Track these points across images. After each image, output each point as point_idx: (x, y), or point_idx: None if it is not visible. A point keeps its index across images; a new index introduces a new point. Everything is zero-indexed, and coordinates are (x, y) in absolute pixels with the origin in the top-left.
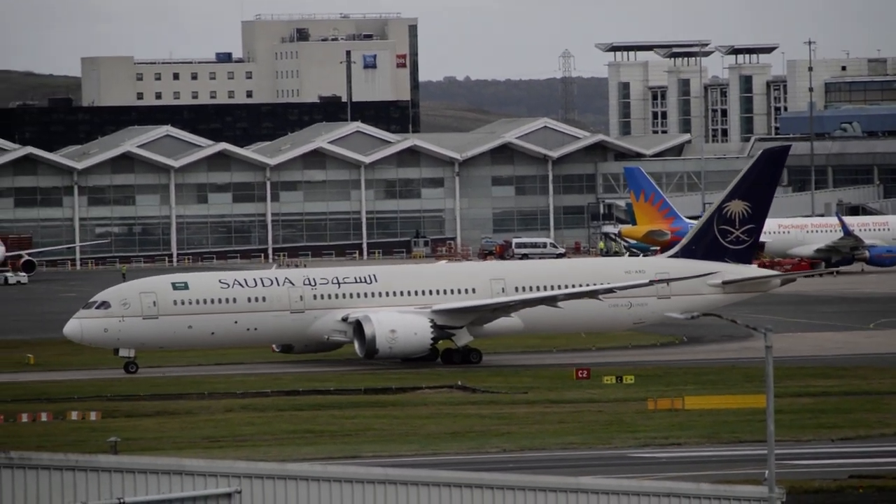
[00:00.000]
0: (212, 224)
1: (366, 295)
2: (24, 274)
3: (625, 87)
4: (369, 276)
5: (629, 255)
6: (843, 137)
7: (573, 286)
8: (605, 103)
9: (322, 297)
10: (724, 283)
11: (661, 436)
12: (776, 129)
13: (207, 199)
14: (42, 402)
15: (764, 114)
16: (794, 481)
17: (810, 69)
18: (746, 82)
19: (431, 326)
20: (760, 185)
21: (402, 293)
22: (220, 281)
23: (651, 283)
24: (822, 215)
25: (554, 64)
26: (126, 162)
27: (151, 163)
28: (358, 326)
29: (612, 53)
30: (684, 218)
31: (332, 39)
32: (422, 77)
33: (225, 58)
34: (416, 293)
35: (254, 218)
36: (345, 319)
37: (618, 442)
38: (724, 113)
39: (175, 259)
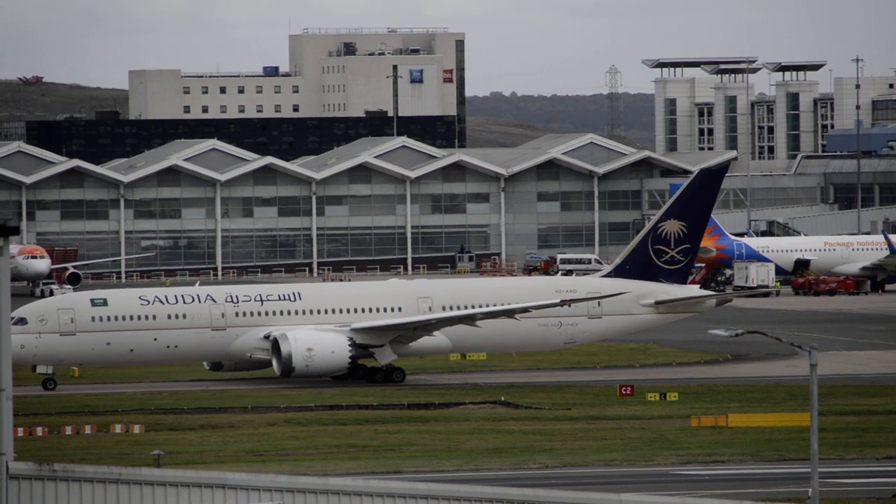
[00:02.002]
0: (257, 238)
1: (290, 313)
2: (69, 286)
3: (671, 104)
4: (294, 293)
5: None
6: (889, 155)
7: (502, 305)
8: (652, 119)
9: (244, 314)
10: (658, 303)
11: (705, 453)
12: (823, 146)
13: (253, 213)
14: (86, 415)
15: (811, 131)
16: (837, 500)
17: (857, 87)
18: (793, 99)
19: (350, 345)
20: (696, 205)
21: (326, 311)
22: (140, 297)
23: (562, 303)
24: (868, 233)
25: (600, 80)
26: (172, 175)
27: (198, 176)
28: (275, 344)
29: (659, 69)
30: (730, 235)
31: (379, 54)
32: (468, 92)
33: (272, 72)
34: (340, 311)
35: (299, 232)
36: (267, 337)
37: (661, 459)
38: (771, 130)
39: (220, 272)
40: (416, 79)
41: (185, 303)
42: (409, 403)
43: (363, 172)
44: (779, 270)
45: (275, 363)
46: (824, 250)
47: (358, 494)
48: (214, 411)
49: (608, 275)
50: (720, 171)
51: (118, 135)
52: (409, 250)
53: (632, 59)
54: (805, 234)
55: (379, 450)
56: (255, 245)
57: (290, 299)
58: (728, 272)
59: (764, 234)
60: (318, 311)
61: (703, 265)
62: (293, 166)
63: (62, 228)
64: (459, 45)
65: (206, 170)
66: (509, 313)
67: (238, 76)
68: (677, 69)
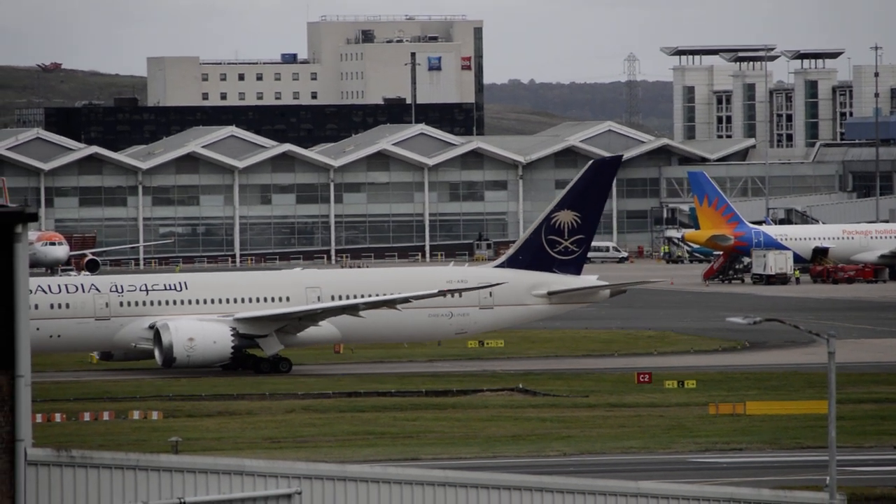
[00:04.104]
0: (275, 225)
1: (175, 302)
2: (87, 273)
3: (690, 91)
4: (180, 283)
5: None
6: None
7: (389, 295)
8: (670, 107)
9: (129, 304)
10: (550, 293)
11: (723, 441)
12: (841, 134)
13: (271, 200)
14: (104, 402)
15: (829, 119)
16: (855, 487)
17: (876, 74)
18: (812, 87)
19: (233, 335)
20: (590, 195)
21: (212, 301)
22: None
23: (441, 293)
24: (886, 221)
25: (619, 67)
26: (190, 162)
27: (216, 163)
28: (157, 334)
29: (678, 57)
30: (748, 223)
31: (398, 41)
32: (486, 79)
33: (290, 59)
34: (226, 301)
35: (317, 219)
36: (152, 327)
37: (678, 447)
38: (790, 118)
39: (238, 260)
40: (435, 66)
41: (68, 292)
42: (426, 390)
43: (381, 160)
44: (797, 258)
45: (156, 353)
46: (843, 238)
47: (375, 481)
48: (232, 398)
49: (501, 265)
50: (614, 161)
51: (136, 122)
52: (427, 238)
53: (650, 47)
54: (823, 222)
55: (396, 437)
56: (273, 232)
57: (175, 289)
58: (746, 260)
59: (782, 222)
60: (204, 301)
61: (721, 253)
62: (311, 153)
63: (80, 215)
64: (478, 33)
65: (224, 157)
66: (391, 303)
67: (256, 63)
68: (696, 57)
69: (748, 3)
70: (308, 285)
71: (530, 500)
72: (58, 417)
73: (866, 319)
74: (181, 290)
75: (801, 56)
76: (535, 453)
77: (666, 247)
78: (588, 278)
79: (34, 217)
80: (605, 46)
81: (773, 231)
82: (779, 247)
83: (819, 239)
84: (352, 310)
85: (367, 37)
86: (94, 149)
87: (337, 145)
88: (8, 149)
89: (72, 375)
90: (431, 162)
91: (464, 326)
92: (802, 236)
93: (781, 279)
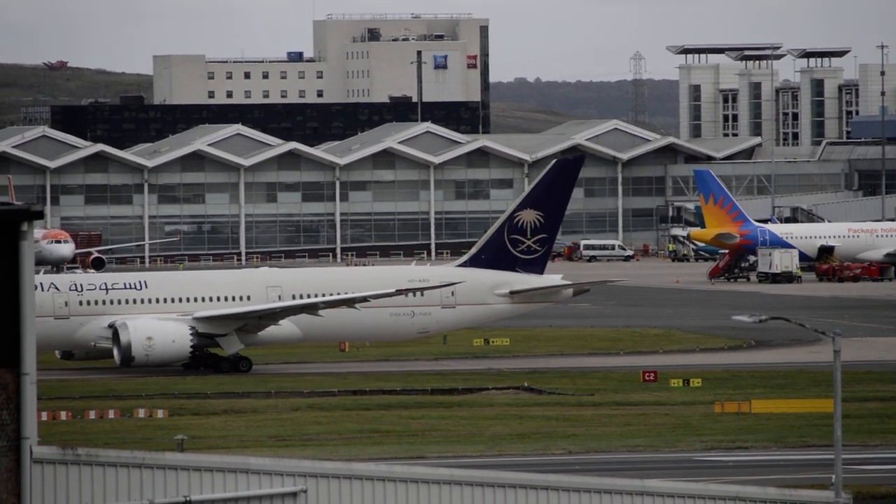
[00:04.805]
0: (281, 223)
1: (135, 301)
2: (93, 271)
3: (695, 90)
4: (139, 282)
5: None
6: None
7: (349, 294)
8: (676, 105)
9: (88, 303)
10: (512, 293)
11: (728, 439)
12: (847, 133)
13: (277, 199)
14: (109, 400)
15: (835, 118)
16: (861, 486)
17: (882, 73)
18: (818, 86)
19: (192, 334)
20: (553, 194)
21: (172, 300)
22: None
23: (398, 292)
24: (892, 220)
25: (625, 66)
26: (196, 160)
27: (222, 161)
28: (116, 333)
29: (683, 56)
30: (753, 221)
31: (403, 39)
32: (492, 78)
33: (296, 57)
34: (186, 300)
35: (322, 217)
36: (111, 326)
37: (684, 445)
38: (796, 116)
39: (244, 258)
40: (441, 64)
41: None
42: (432, 389)
43: (387, 158)
44: (803, 257)
45: (115, 352)
46: (848, 237)
47: (381, 480)
48: (237, 396)
49: (463, 264)
50: (577, 162)
51: (142, 120)
52: (433, 236)
53: (656, 46)
54: (829, 221)
55: (402, 435)
56: (278, 230)
57: (135, 288)
58: (752, 258)
59: (788, 220)
60: (164, 300)
61: (727, 251)
62: (317, 152)
63: (86, 213)
64: (483, 31)
65: (230, 155)
66: (349, 302)
67: (262, 62)
68: (702, 55)
69: (754, 1)
70: (269, 284)
71: (535, 499)
72: (63, 415)
73: (872, 318)
74: (141, 289)
75: (808, 55)
76: (540, 451)
77: (672, 245)
78: (551, 277)
79: (40, 215)
80: (610, 45)
81: (779, 229)
82: (784, 245)
83: (825, 237)
84: (311, 309)
85: (373, 35)
86: (100, 147)
87: (343, 143)
88: (14, 147)
89: (77, 374)
90: (437, 160)
91: (426, 326)
92: (808, 235)
93: (787, 277)
